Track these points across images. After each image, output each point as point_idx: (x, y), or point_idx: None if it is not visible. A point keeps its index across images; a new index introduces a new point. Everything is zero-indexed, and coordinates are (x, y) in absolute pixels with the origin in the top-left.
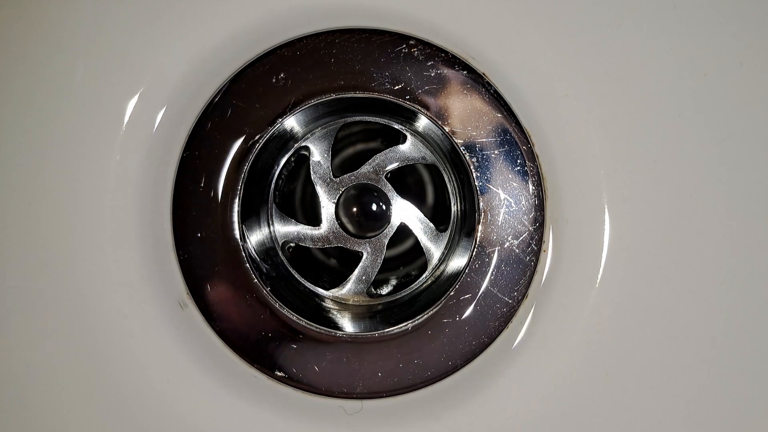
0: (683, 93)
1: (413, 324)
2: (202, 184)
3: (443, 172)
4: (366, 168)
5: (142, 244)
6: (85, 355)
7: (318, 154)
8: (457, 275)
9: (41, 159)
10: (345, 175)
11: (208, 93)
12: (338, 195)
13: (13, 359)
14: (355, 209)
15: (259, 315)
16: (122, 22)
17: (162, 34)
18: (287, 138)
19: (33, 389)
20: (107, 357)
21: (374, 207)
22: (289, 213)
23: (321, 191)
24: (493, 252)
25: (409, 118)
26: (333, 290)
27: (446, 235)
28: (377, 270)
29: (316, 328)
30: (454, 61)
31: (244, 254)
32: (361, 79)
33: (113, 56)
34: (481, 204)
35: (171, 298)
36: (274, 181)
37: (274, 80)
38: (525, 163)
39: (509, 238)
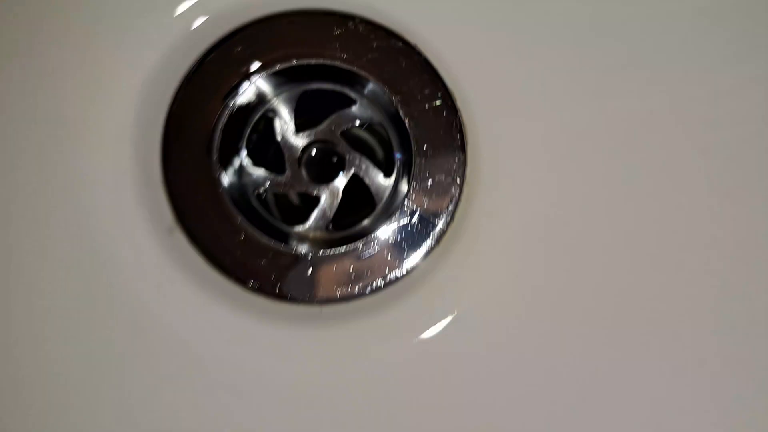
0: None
1: (362, 243)
2: (187, 136)
3: (387, 129)
4: (323, 126)
5: (136, 182)
6: (85, 269)
7: (283, 114)
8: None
9: (47, 87)
10: (305, 132)
11: (188, 62)
12: (299, 148)
13: (16, 276)
14: (313, 158)
15: (235, 238)
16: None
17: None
18: (257, 102)
19: (31, 300)
20: (104, 273)
21: (329, 157)
22: (258, 163)
23: (284, 145)
24: (426, 184)
25: (358, 83)
26: (296, 226)
27: (391, 179)
28: (334, 211)
29: (282, 247)
30: (390, 35)
31: (221, 191)
32: (317, 50)
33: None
34: (414, 149)
35: (161, 225)
36: (246, 135)
37: (239, 52)
38: (449, 114)
39: (438, 173)
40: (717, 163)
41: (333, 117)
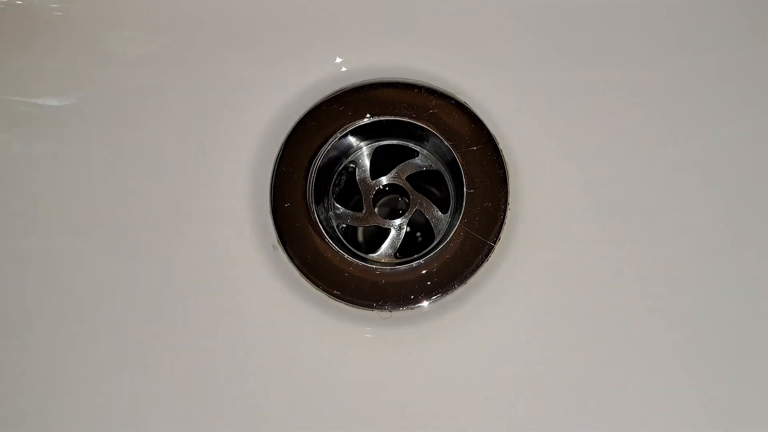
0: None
1: (424, 259)
2: (290, 177)
3: (444, 174)
4: (392, 173)
5: (251, 212)
6: (211, 277)
7: (361, 165)
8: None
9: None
10: (378, 178)
11: (292, 122)
12: (373, 190)
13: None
14: (384, 200)
15: (323, 256)
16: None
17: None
18: (342, 154)
19: (155, 306)
20: (226, 281)
21: (397, 198)
22: (342, 204)
23: (362, 188)
24: (476, 213)
25: (420, 137)
26: (370, 254)
27: (448, 215)
28: (400, 242)
29: (361, 263)
30: (445, 97)
31: (315, 219)
32: (389, 110)
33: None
34: (465, 187)
35: (266, 243)
36: (333, 180)
37: (335, 110)
38: (493, 156)
39: (485, 203)
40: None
41: (400, 166)
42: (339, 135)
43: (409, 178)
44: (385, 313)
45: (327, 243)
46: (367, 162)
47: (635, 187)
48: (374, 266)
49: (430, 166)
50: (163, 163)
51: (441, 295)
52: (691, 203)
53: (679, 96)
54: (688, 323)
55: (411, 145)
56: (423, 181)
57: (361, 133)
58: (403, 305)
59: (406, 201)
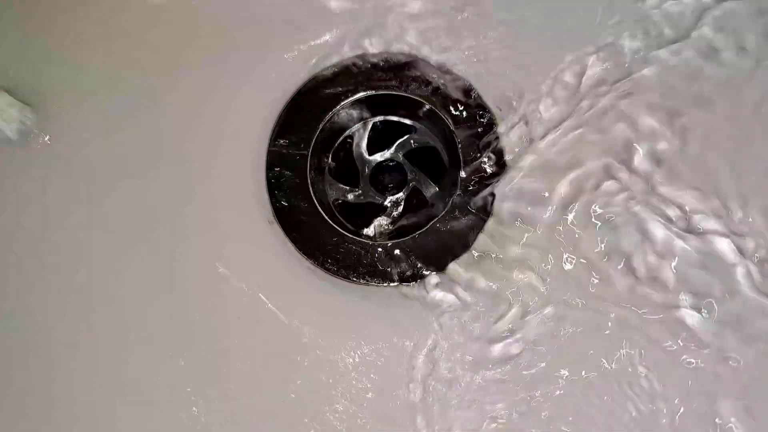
0: None
1: (419, 234)
2: (288, 149)
3: (441, 152)
4: (389, 150)
5: (249, 187)
6: (214, 245)
7: (358, 140)
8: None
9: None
10: (376, 154)
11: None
12: (371, 166)
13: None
14: (380, 176)
15: (319, 230)
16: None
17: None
18: (339, 129)
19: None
20: (217, 253)
21: (393, 174)
22: (338, 179)
23: (359, 164)
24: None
25: (419, 114)
26: (364, 229)
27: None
28: (398, 214)
29: (355, 238)
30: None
31: (311, 194)
32: (388, 84)
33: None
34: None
35: (263, 217)
36: (330, 154)
37: (331, 88)
38: (487, 127)
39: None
40: None
41: (398, 142)
42: (338, 108)
43: (407, 155)
44: (379, 286)
45: (323, 216)
46: (362, 138)
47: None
48: (369, 242)
49: (427, 142)
50: (166, 140)
51: (436, 271)
52: None
53: None
54: None
55: (407, 121)
56: (420, 157)
57: (361, 107)
58: (401, 280)
59: (398, 175)
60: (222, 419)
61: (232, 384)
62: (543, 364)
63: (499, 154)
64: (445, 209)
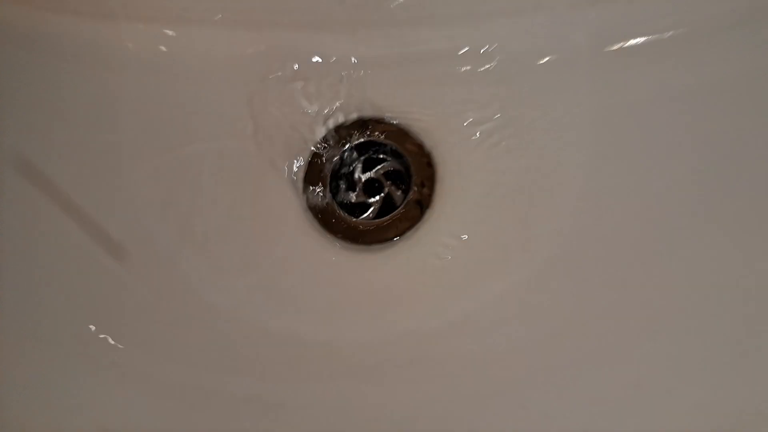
0: None
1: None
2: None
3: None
4: (372, 172)
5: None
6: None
7: (357, 167)
8: None
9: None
10: (365, 173)
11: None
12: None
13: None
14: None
15: (332, 214)
16: None
17: None
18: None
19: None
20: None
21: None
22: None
23: (357, 182)
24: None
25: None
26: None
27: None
28: (376, 211)
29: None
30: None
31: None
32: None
33: None
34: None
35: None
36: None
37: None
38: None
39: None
40: None
41: (378, 167)
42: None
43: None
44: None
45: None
46: (359, 166)
47: (525, 175)
48: (360, 223)
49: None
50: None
51: (398, 238)
52: None
53: None
54: None
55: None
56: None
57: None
58: (375, 242)
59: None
60: None
61: None
62: None
63: None
64: None
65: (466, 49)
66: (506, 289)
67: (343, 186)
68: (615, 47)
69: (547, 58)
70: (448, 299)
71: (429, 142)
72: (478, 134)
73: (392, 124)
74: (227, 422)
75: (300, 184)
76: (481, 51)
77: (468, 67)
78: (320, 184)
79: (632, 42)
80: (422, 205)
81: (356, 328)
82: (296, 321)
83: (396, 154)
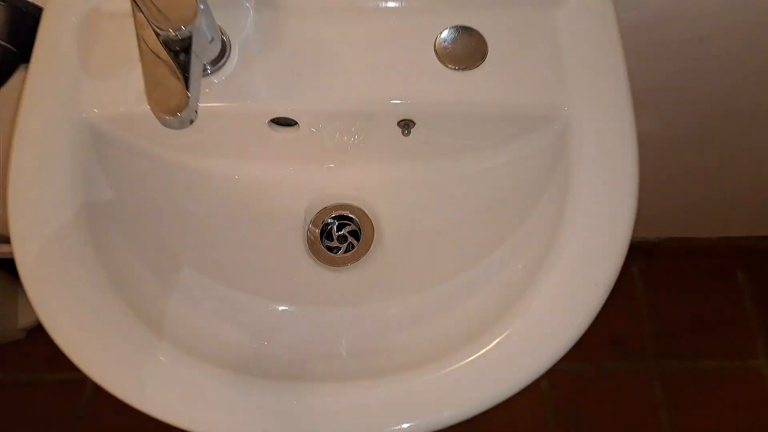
0: None
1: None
2: (314, 234)
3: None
4: (343, 231)
5: (299, 238)
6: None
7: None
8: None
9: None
10: (341, 231)
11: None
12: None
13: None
14: (340, 235)
15: (319, 250)
16: None
17: None
18: (326, 225)
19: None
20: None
21: (344, 235)
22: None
23: (334, 237)
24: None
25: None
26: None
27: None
28: (343, 250)
29: (329, 255)
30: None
31: (318, 241)
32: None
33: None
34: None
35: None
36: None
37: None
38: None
39: (369, 233)
40: None
41: (347, 228)
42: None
43: (348, 231)
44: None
45: (321, 247)
46: (336, 228)
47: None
48: (335, 256)
49: (358, 228)
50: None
51: (354, 263)
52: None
53: None
54: None
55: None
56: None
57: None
58: (341, 264)
59: (345, 236)
60: None
61: None
62: None
63: None
64: None
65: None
66: (412, 289)
67: (326, 237)
68: None
69: None
70: (381, 291)
71: (371, 216)
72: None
73: (354, 206)
74: None
75: (305, 236)
76: None
77: None
78: (314, 236)
79: None
80: (367, 247)
81: (331, 304)
82: (295, 301)
83: (354, 221)
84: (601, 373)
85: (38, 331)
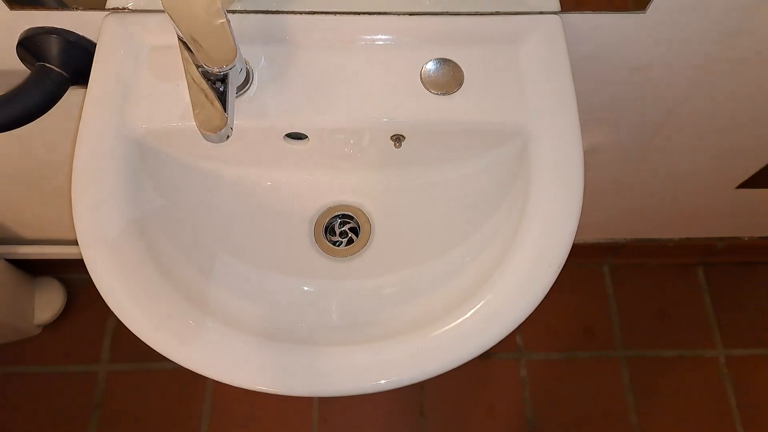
0: None
1: (351, 246)
2: (324, 233)
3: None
4: (345, 227)
5: (306, 239)
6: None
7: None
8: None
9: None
10: (343, 227)
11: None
12: (338, 231)
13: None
14: (342, 231)
15: (324, 244)
16: None
17: None
18: (331, 221)
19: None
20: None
21: (347, 231)
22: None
23: (337, 233)
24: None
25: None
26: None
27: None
28: (346, 243)
29: (334, 248)
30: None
31: (324, 236)
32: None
33: None
34: (359, 228)
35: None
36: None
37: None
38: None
39: (366, 229)
40: None
41: (348, 225)
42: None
43: (349, 228)
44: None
45: (327, 242)
46: (337, 223)
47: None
48: (337, 249)
49: (357, 225)
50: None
51: (353, 255)
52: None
53: None
54: None
55: (347, 219)
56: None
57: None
58: (342, 256)
59: (348, 231)
60: None
61: None
62: None
63: None
64: None
65: None
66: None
67: (330, 232)
68: None
69: None
70: (375, 275)
71: (368, 214)
72: (390, 213)
73: (354, 206)
74: None
75: (313, 231)
76: None
77: None
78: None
79: None
80: (365, 242)
81: (330, 283)
82: (307, 282)
83: (354, 219)
84: (574, 360)
85: (53, 327)
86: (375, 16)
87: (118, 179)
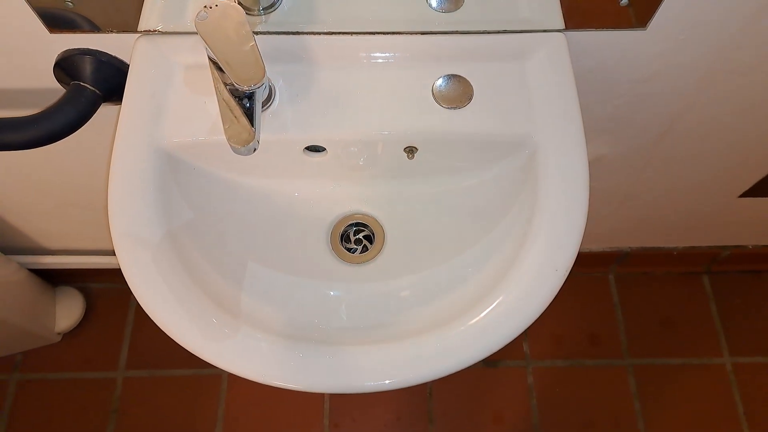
0: None
1: (366, 253)
2: (338, 239)
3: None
4: (360, 235)
5: (325, 240)
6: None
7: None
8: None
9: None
10: (358, 234)
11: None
12: (353, 238)
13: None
14: (357, 239)
15: (342, 251)
16: None
17: None
18: (347, 229)
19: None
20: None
21: (362, 238)
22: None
23: (351, 239)
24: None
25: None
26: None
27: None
28: (361, 248)
29: (349, 254)
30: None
31: (340, 243)
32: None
33: None
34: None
35: (325, 245)
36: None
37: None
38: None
39: (379, 233)
40: None
41: (362, 233)
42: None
43: (364, 237)
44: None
45: (341, 248)
46: (353, 232)
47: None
48: (353, 256)
49: (371, 233)
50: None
51: (368, 261)
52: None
53: None
54: None
55: (362, 227)
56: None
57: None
58: (357, 262)
59: (363, 239)
60: None
61: None
62: None
63: None
64: None
65: None
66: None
67: (345, 240)
68: None
69: None
70: (388, 279)
71: (382, 223)
72: (403, 220)
73: (368, 215)
74: None
75: (329, 239)
76: None
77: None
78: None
79: None
80: (379, 248)
81: (347, 287)
82: (327, 286)
83: (368, 227)
84: (580, 368)
85: (72, 335)
86: (388, 35)
87: (151, 190)
